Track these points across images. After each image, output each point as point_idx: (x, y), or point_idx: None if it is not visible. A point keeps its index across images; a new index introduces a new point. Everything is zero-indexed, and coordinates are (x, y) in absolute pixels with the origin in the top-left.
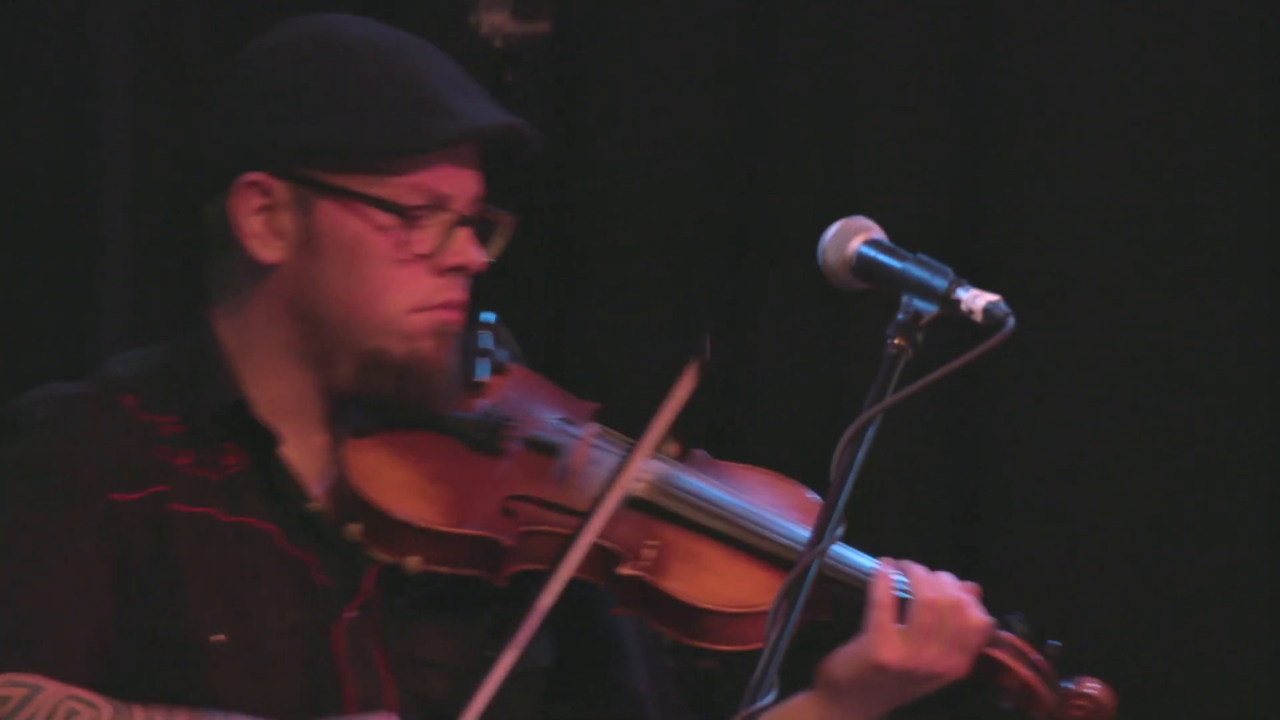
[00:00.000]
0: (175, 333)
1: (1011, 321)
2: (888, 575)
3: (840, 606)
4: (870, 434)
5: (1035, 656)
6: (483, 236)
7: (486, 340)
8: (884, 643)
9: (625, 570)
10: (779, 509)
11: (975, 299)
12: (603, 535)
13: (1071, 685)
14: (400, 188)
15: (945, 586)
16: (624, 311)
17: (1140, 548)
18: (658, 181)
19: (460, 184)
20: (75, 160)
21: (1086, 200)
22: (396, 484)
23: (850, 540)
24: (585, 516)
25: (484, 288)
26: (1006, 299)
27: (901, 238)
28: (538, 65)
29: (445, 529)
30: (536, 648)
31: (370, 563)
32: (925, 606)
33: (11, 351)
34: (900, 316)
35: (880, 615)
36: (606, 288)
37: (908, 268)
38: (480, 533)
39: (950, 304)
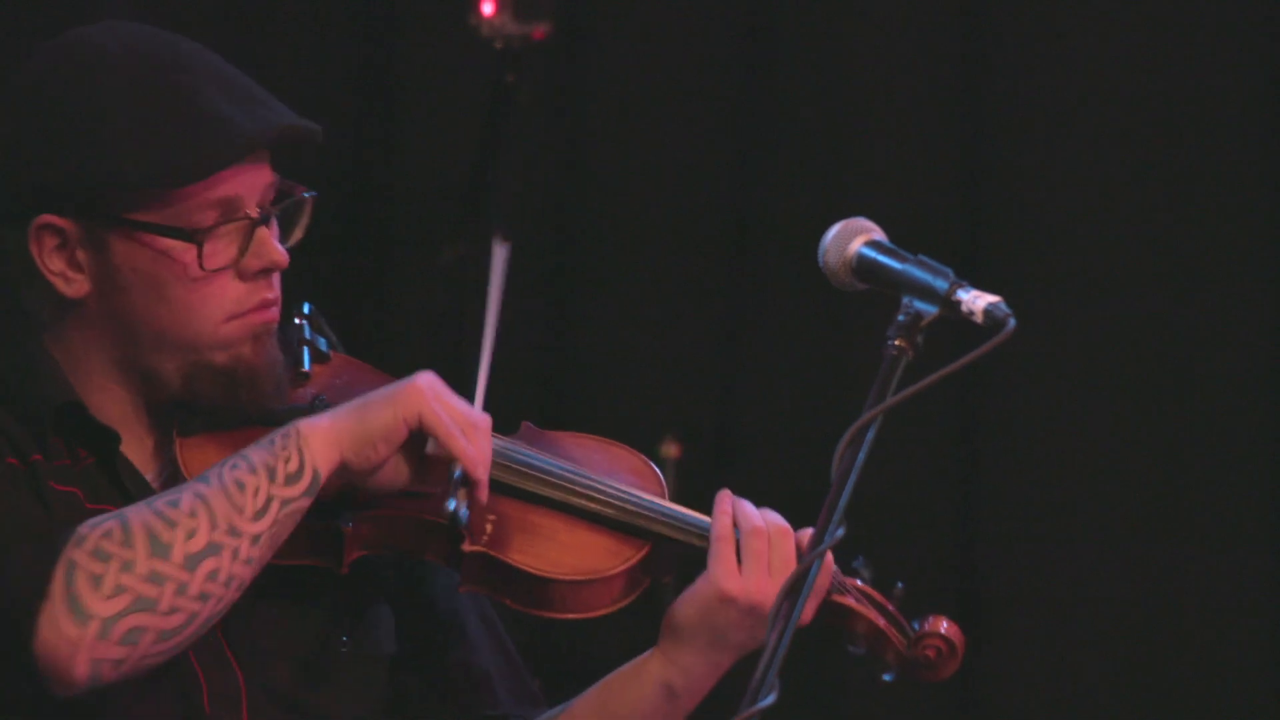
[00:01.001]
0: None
1: (1012, 322)
2: (727, 509)
3: (682, 563)
4: (870, 435)
5: (881, 599)
6: (285, 219)
7: (306, 330)
8: (726, 573)
9: (468, 547)
10: (612, 474)
11: (976, 300)
12: (441, 515)
13: (921, 626)
14: (188, 210)
15: (770, 516)
16: (624, 311)
17: (1140, 548)
18: (658, 182)
19: (248, 186)
20: None
21: (1086, 201)
22: None
23: (849, 540)
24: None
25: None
26: (1007, 300)
27: (902, 239)
28: (538, 66)
29: None
30: (378, 635)
31: None
32: (753, 534)
33: None
34: (901, 318)
35: (720, 547)
36: (607, 287)
37: (908, 269)
38: (316, 524)
39: (951, 305)
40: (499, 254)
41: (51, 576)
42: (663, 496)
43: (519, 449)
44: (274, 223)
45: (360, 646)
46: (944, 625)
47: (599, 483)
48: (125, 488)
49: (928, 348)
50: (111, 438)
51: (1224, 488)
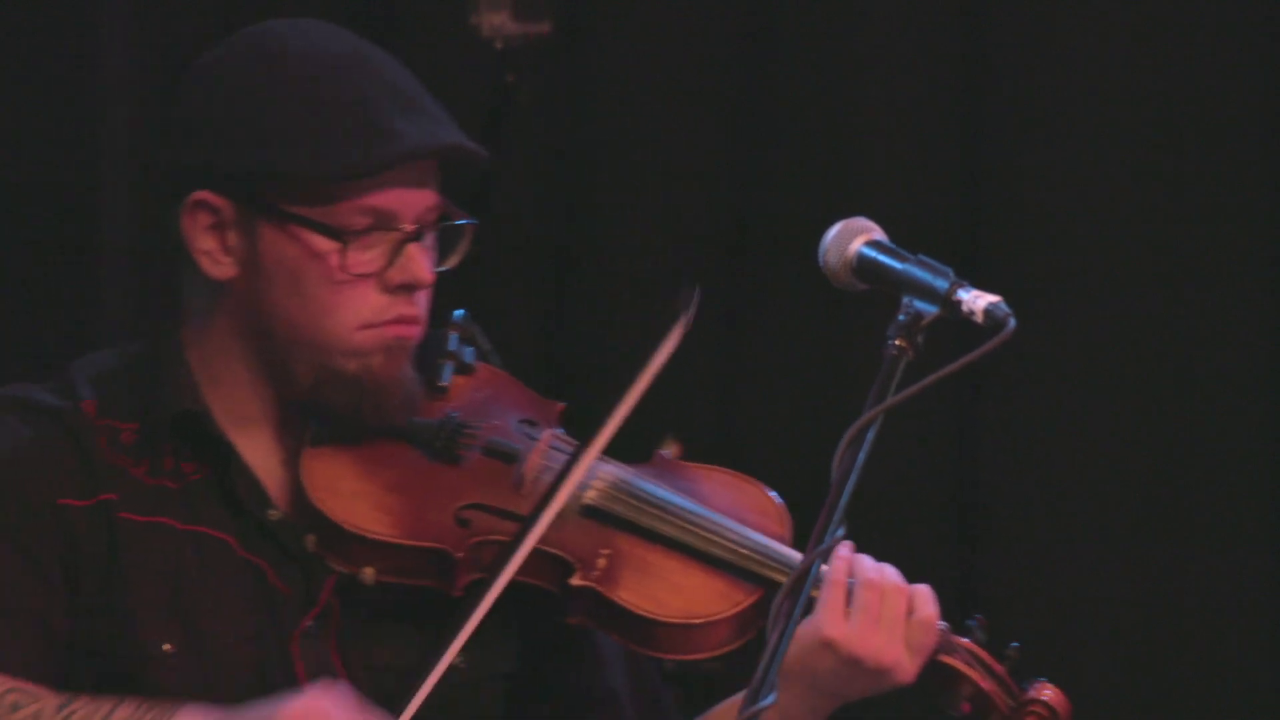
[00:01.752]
0: (137, 337)
1: (1012, 323)
2: (845, 556)
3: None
4: (870, 435)
5: (993, 663)
6: (444, 243)
7: (452, 341)
8: (832, 618)
9: (577, 581)
10: (736, 514)
11: (976, 300)
12: (555, 545)
13: (1027, 691)
14: (341, 211)
15: (887, 571)
16: (624, 311)
17: (1140, 548)
18: (658, 181)
19: (407, 201)
20: (75, 162)
21: (1087, 201)
22: (351, 495)
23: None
24: (529, 521)
25: (486, 287)
26: (1007, 300)
27: (902, 238)
28: (538, 66)
29: (397, 541)
30: (498, 652)
31: (328, 572)
32: (866, 586)
33: (11, 352)
34: (901, 317)
35: (831, 592)
36: (606, 287)
37: (909, 269)
38: (432, 544)
39: (951, 305)
40: (674, 332)
41: None
42: (785, 538)
43: (642, 481)
44: (432, 243)
45: (475, 665)
46: (1047, 693)
47: (717, 523)
48: (238, 500)
49: (928, 348)
50: (226, 450)
51: (1224, 488)
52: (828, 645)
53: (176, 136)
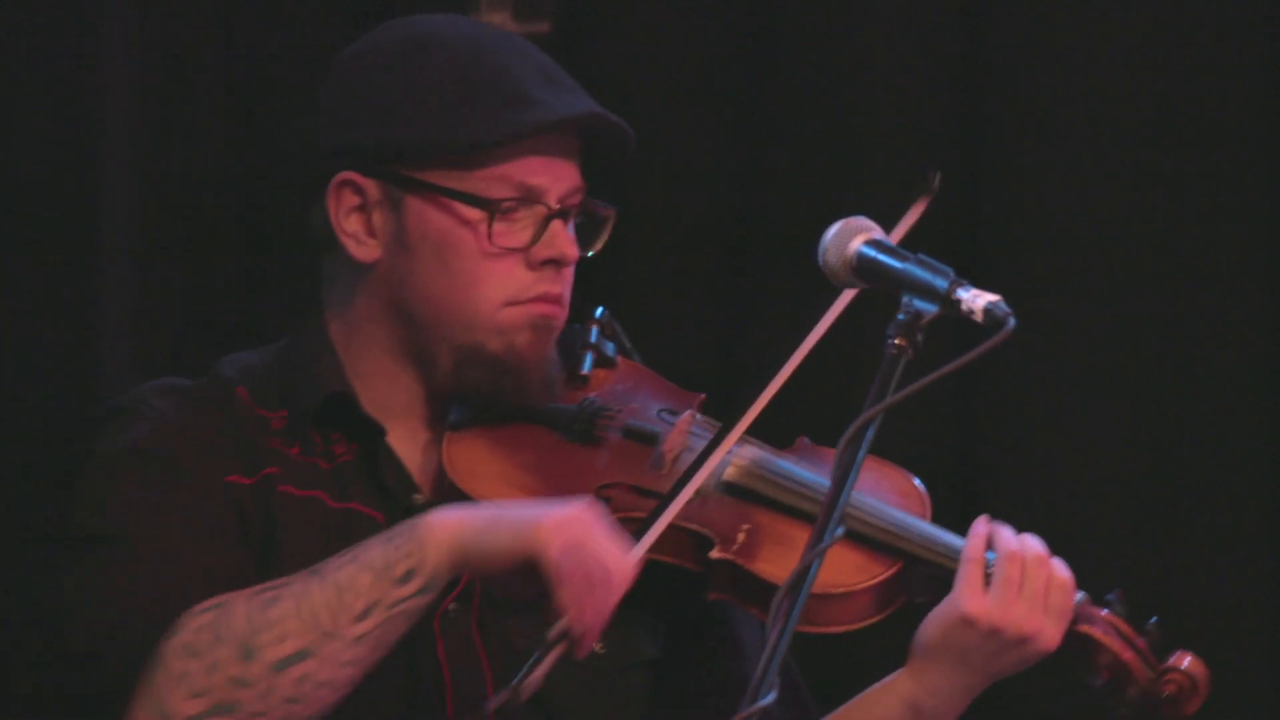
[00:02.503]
0: (283, 335)
1: (1012, 322)
2: (981, 532)
3: (937, 587)
4: (870, 434)
5: (1132, 634)
6: (584, 230)
7: (593, 335)
8: (971, 594)
9: (716, 554)
10: (875, 492)
11: (976, 299)
12: (695, 521)
13: (1166, 661)
14: (486, 181)
15: (1029, 542)
16: (623, 311)
17: (1140, 548)
18: (658, 181)
19: (552, 177)
20: (75, 162)
21: (1087, 201)
22: (492, 476)
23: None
24: (671, 494)
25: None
26: (1007, 299)
27: (902, 238)
28: None
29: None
30: (639, 639)
31: None
32: (1008, 558)
33: (12, 355)
34: (900, 316)
35: (969, 569)
36: (605, 287)
37: (908, 268)
38: None
39: (951, 304)
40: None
41: (143, 668)
42: (925, 519)
43: (780, 460)
44: (571, 228)
45: (617, 652)
46: (1186, 661)
47: (855, 498)
48: (384, 483)
49: (928, 347)
50: (376, 430)
51: (1224, 488)
52: (968, 621)
53: (320, 122)
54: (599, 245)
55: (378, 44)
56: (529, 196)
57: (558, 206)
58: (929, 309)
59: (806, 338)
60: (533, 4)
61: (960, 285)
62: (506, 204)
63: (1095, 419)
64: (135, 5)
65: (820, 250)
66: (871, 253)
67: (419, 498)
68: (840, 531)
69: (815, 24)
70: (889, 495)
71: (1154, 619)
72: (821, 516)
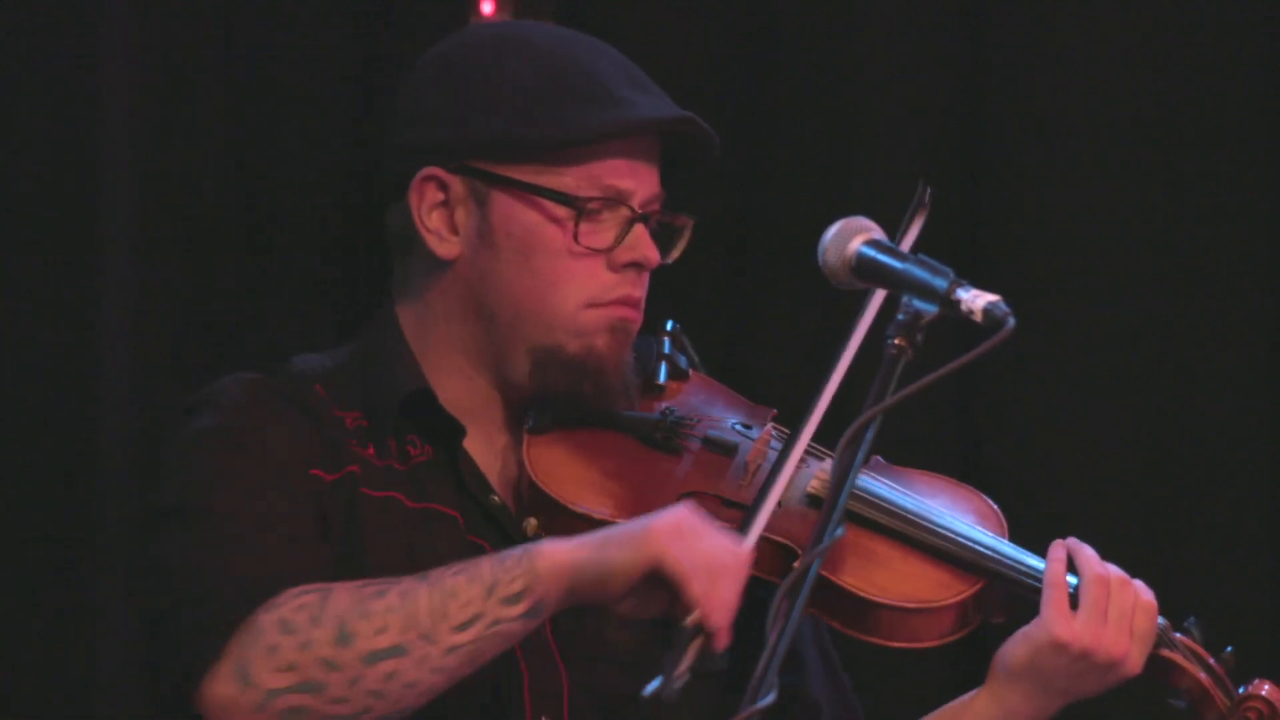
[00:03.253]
0: (354, 337)
1: (1011, 322)
2: (1061, 556)
3: (1015, 606)
4: (870, 435)
5: (1210, 660)
6: (662, 239)
7: (666, 346)
8: (1060, 618)
9: (800, 564)
10: (955, 511)
11: (975, 299)
12: (780, 533)
13: (1246, 689)
14: (572, 179)
15: (1111, 567)
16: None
17: (1140, 548)
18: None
19: (636, 181)
20: (75, 162)
21: (1087, 201)
22: (574, 479)
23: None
24: (761, 493)
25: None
26: (1006, 299)
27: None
28: None
29: (621, 521)
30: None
31: None
32: (1095, 581)
33: (12, 355)
34: (900, 317)
35: (1054, 593)
36: None
37: (908, 268)
38: None
39: (950, 304)
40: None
41: (234, 631)
42: (1003, 538)
43: (862, 477)
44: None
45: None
46: (1266, 689)
47: (938, 516)
48: (463, 483)
49: (927, 347)
50: (457, 429)
51: (1224, 487)
52: (1059, 647)
53: (404, 121)
54: (677, 253)
55: (462, 44)
56: (615, 198)
57: (641, 211)
58: (929, 309)
59: (852, 339)
60: (533, 4)
61: (960, 285)
62: (593, 204)
63: (1095, 419)
64: (135, 5)
65: (820, 250)
66: (871, 253)
67: (496, 499)
68: (840, 533)
69: (815, 24)
70: (967, 515)
71: (1229, 648)
72: (821, 517)
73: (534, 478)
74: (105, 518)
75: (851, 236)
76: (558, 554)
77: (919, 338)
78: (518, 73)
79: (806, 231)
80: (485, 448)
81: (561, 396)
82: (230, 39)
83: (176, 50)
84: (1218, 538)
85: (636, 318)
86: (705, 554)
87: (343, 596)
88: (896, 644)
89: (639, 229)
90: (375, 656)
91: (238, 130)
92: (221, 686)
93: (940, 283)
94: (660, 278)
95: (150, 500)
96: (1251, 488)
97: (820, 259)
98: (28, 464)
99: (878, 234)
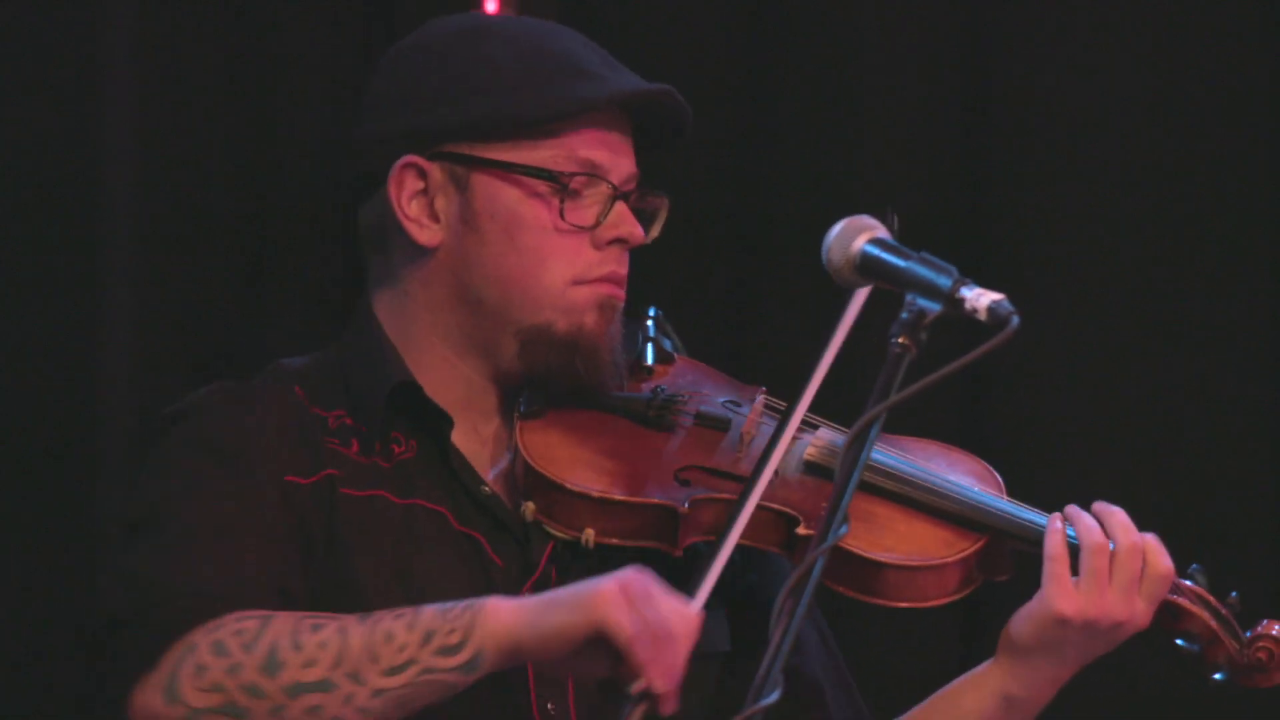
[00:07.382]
0: (334, 339)
1: (1015, 320)
2: (1059, 528)
3: (1019, 563)
4: (874, 433)
5: (1217, 604)
6: (640, 219)
7: (651, 329)
8: (1061, 592)
9: (803, 530)
10: (952, 472)
11: (979, 298)
12: (779, 501)
13: (1254, 630)
14: (552, 154)
15: (1117, 530)
16: (624, 310)
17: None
18: (659, 181)
19: (613, 156)
20: (75, 161)
21: (1090, 199)
22: (570, 459)
23: None
24: (755, 471)
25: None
26: (1011, 298)
27: (905, 236)
28: None
29: (621, 498)
30: (714, 632)
31: (544, 542)
32: (1094, 551)
33: (12, 355)
34: (904, 315)
35: (1055, 567)
36: None
37: (912, 266)
38: (655, 500)
39: (954, 303)
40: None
41: (170, 646)
42: (1001, 497)
43: None
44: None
45: (695, 643)
46: (1277, 628)
47: (937, 476)
48: (451, 474)
49: (931, 346)
50: (444, 420)
51: (1225, 487)
52: (1061, 620)
53: (376, 113)
54: (656, 232)
55: (431, 33)
56: (594, 173)
57: (622, 189)
58: (933, 308)
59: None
60: (533, 5)
61: (964, 284)
62: (575, 180)
63: (1099, 417)
64: (135, 5)
65: (824, 249)
66: (875, 251)
67: (486, 489)
68: (845, 530)
69: (815, 24)
70: (965, 476)
71: (1234, 593)
72: (825, 515)
73: (530, 460)
74: (105, 518)
75: (855, 235)
76: (501, 611)
77: (923, 336)
78: (490, 56)
79: (809, 231)
80: (472, 438)
81: (554, 377)
82: (232, 39)
83: (178, 50)
84: (1218, 537)
85: (621, 295)
86: (650, 620)
87: (281, 625)
88: (903, 604)
89: (620, 206)
90: (300, 689)
91: (239, 130)
92: (149, 698)
93: (944, 281)
94: (663, 278)
95: (119, 511)
96: (1253, 487)
97: (824, 258)
98: (28, 464)
99: (881, 233)
